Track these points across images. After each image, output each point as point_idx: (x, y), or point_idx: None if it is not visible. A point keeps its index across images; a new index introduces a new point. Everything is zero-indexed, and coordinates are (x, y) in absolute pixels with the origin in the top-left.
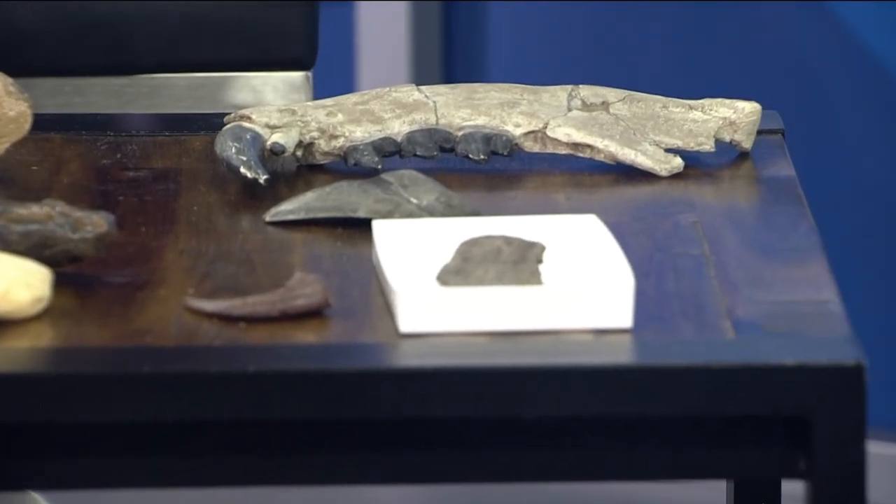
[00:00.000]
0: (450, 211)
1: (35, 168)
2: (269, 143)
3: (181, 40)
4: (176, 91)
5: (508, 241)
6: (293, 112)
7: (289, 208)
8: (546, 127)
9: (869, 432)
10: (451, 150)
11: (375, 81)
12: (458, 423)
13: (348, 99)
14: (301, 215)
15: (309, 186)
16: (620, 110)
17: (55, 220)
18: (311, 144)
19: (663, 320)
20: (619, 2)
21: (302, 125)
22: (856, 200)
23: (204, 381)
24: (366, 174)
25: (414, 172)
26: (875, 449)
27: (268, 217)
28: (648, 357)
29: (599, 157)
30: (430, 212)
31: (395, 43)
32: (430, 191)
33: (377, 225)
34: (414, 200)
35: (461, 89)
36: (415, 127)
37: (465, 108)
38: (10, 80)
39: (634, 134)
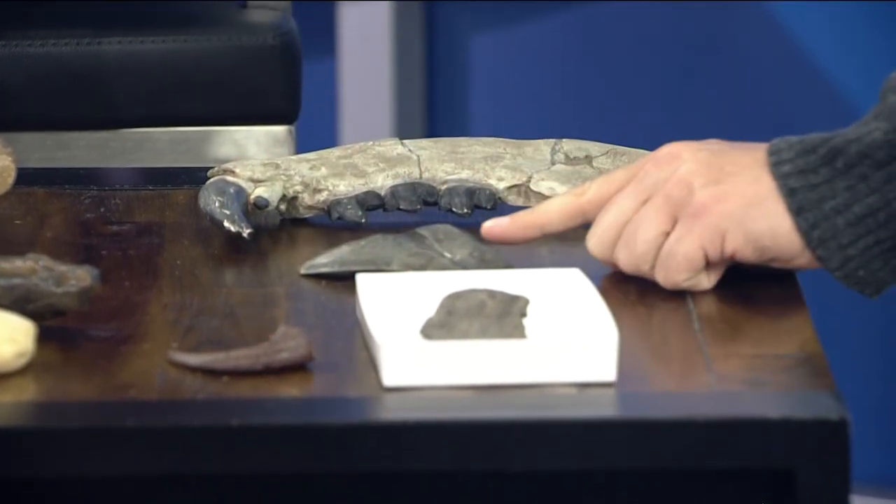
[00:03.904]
0: (483, 265)
1: (18, 222)
2: (252, 196)
3: (164, 95)
4: (159, 145)
5: (492, 294)
6: (277, 166)
7: (323, 261)
8: (529, 181)
9: (853, 487)
10: (435, 203)
11: (359, 135)
12: (442, 476)
13: (332, 153)
14: (335, 268)
15: (293, 240)
16: (604, 164)
17: (39, 275)
18: (294, 198)
19: (647, 374)
20: (602, 55)
21: (285, 179)
22: None
23: (187, 435)
24: (350, 228)
25: (449, 227)
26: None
27: (302, 270)
28: (632, 411)
29: None
30: (462, 266)
31: (378, 97)
32: (463, 245)
33: (361, 279)
34: (447, 255)
35: (445, 143)
36: (398, 181)
37: (449, 162)
38: None
39: None
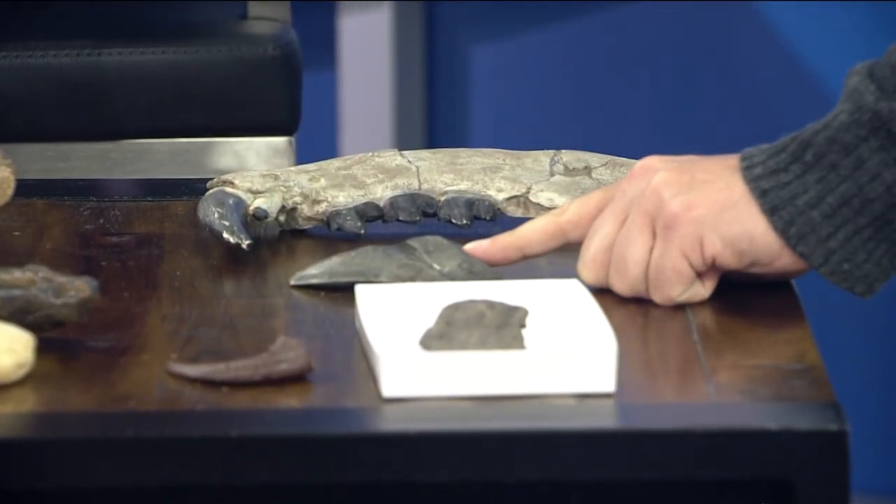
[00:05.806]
0: (471, 277)
1: (18, 233)
2: (251, 208)
3: (164, 106)
4: (159, 156)
5: (491, 305)
6: (276, 177)
7: (313, 273)
8: (528, 192)
9: (853, 497)
10: (434, 214)
11: (359, 146)
12: (442, 487)
13: (331, 164)
14: (325, 280)
15: (292, 251)
16: (603, 175)
17: (38, 286)
18: (293, 209)
19: (646, 384)
20: (602, 65)
21: (285, 190)
22: None
23: (187, 446)
24: (349, 239)
25: (439, 238)
26: None
27: (292, 281)
28: (631, 421)
29: None
30: (451, 278)
31: (378, 108)
32: (452, 257)
33: (360, 290)
34: (436, 266)
35: (444, 154)
36: (398, 192)
37: (448, 173)
38: None
39: None
